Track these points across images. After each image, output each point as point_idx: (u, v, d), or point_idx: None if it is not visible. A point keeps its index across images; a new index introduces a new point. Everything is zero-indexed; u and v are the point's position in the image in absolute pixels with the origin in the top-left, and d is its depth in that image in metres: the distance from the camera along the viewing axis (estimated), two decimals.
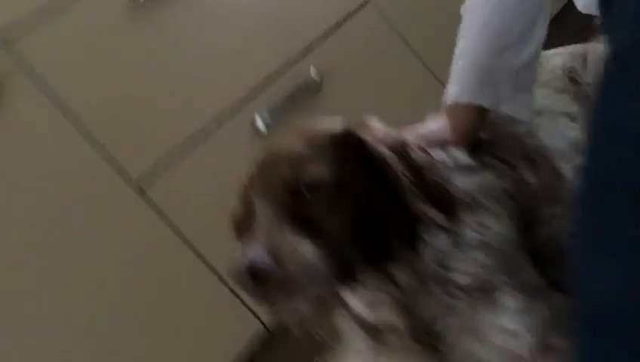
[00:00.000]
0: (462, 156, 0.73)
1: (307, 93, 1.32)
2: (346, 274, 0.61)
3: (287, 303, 0.59)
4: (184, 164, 1.17)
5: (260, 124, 1.25)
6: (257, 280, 0.56)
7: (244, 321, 1.15)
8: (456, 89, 0.77)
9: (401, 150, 0.65)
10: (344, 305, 0.69)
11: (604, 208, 0.44)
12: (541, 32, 0.81)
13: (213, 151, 1.10)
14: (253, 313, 1.15)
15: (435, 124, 0.77)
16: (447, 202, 0.65)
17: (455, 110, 0.77)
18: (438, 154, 0.73)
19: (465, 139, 0.75)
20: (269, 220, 0.60)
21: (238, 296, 1.14)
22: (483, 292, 0.65)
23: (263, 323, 1.16)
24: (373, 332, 0.69)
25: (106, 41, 1.17)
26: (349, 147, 0.65)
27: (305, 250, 0.58)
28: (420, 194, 0.63)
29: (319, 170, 0.62)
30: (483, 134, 0.77)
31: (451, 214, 0.65)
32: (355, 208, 0.62)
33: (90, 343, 1.04)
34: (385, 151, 0.64)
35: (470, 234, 0.67)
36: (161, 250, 1.12)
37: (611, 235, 0.43)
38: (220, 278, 1.14)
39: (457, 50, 0.80)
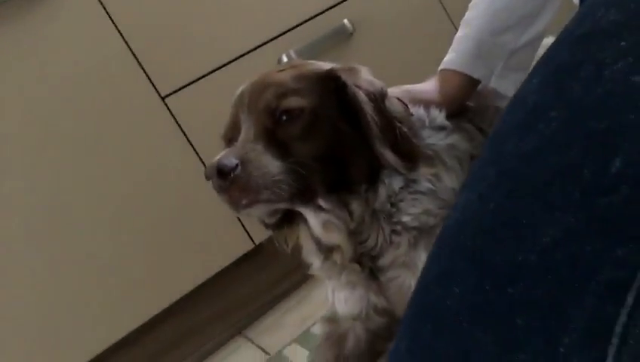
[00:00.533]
0: (438, 116, 0.79)
1: (338, 41, 1.37)
2: (305, 194, 0.69)
3: (248, 206, 0.66)
4: (206, 82, 1.25)
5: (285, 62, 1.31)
6: (223, 179, 0.64)
7: (237, 239, 1.25)
8: (451, 56, 0.83)
9: (377, 98, 0.72)
10: (304, 221, 0.77)
11: None
12: (545, 19, 0.84)
13: (234, 78, 1.19)
14: (247, 232, 1.25)
15: (426, 85, 0.83)
16: (408, 152, 0.71)
17: (446, 76, 0.83)
18: (416, 111, 0.78)
19: (450, 104, 0.81)
20: (250, 136, 0.69)
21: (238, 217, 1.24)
22: (422, 232, 0.72)
23: (253, 242, 1.25)
24: (325, 250, 0.77)
25: None
26: (330, 86, 0.72)
27: (270, 162, 0.66)
28: (384, 140, 0.69)
29: (299, 101, 0.69)
30: (469, 103, 0.83)
31: (410, 163, 0.71)
32: (324, 139, 0.70)
33: (94, 230, 1.16)
34: (361, 95, 0.71)
35: (424, 182, 0.74)
36: (173, 157, 1.22)
37: None
38: None
39: (463, 19, 0.85)
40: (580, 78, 0.44)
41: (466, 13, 0.86)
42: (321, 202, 0.72)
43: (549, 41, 1.01)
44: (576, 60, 0.46)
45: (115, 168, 1.17)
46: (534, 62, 0.97)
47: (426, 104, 0.79)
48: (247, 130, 0.70)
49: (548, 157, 0.39)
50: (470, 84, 0.83)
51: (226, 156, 0.65)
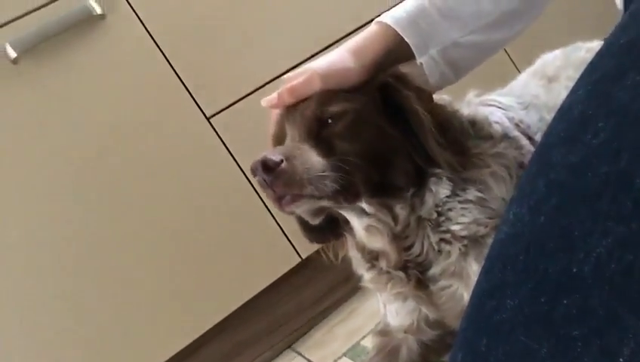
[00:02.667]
0: (485, 124, 0.78)
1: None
2: (348, 192, 0.69)
3: (292, 202, 0.67)
4: (250, 101, 1.29)
5: None
6: (268, 173, 0.64)
7: (285, 254, 1.27)
8: (391, 12, 0.78)
9: (428, 100, 0.73)
10: (351, 231, 0.78)
11: None
12: (504, 34, 0.80)
13: None
14: (294, 246, 1.27)
15: (333, 56, 0.75)
16: (460, 153, 0.71)
17: (376, 31, 0.77)
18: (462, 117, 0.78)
19: (366, 66, 0.74)
20: (293, 138, 0.71)
21: (282, 229, 1.26)
22: (472, 241, 0.72)
23: (300, 256, 1.27)
24: (370, 257, 0.78)
25: None
26: (377, 92, 0.73)
27: (314, 159, 0.67)
28: (435, 135, 0.70)
29: (343, 105, 0.71)
30: (383, 74, 0.75)
31: (459, 162, 0.71)
32: (369, 139, 0.70)
33: (137, 248, 1.20)
34: (413, 97, 0.71)
35: (474, 191, 0.73)
36: (220, 176, 1.25)
37: None
38: (268, 210, 1.26)
39: None
40: (626, 86, 0.44)
41: None
42: (365, 206, 0.72)
43: (594, 45, 1.00)
44: (622, 69, 0.46)
45: (163, 189, 1.21)
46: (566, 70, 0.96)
47: (343, 77, 0.74)
48: (292, 135, 0.72)
49: (597, 167, 0.39)
50: (398, 47, 0.76)
51: (271, 152, 0.66)
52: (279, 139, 0.75)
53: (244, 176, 1.25)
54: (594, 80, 0.48)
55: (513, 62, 1.47)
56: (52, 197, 1.15)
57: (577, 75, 0.94)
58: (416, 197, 0.73)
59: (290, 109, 0.74)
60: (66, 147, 1.17)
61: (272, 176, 0.65)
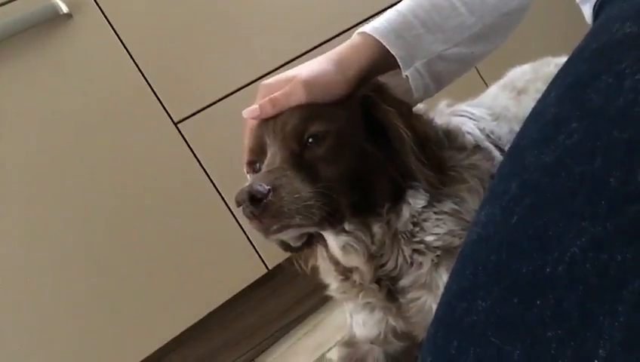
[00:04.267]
0: (459, 136, 0.78)
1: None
2: (334, 217, 0.68)
3: (278, 231, 0.65)
4: (219, 108, 1.27)
5: None
6: (255, 205, 0.62)
7: (251, 264, 1.24)
8: (375, 24, 0.76)
9: (407, 114, 0.71)
10: (324, 244, 0.76)
11: None
12: (481, 45, 0.79)
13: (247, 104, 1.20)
14: (260, 257, 1.25)
15: (315, 66, 0.73)
16: (438, 168, 0.71)
17: (360, 43, 0.75)
18: (437, 127, 0.78)
19: (350, 78, 0.73)
20: (277, 161, 0.68)
21: (249, 239, 1.24)
22: (446, 253, 0.71)
23: (266, 266, 1.25)
24: (343, 270, 0.76)
25: None
26: (357, 105, 0.72)
27: (301, 188, 0.65)
28: (417, 153, 0.69)
29: (325, 125, 0.69)
30: (365, 87, 0.73)
31: (439, 180, 0.70)
32: (351, 161, 0.69)
33: (102, 248, 1.16)
34: (392, 112, 0.70)
35: (448, 203, 0.72)
36: (186, 183, 1.22)
37: None
38: (235, 219, 1.23)
39: None
40: (600, 89, 0.43)
41: None
42: (344, 224, 0.71)
43: (563, 60, 1.01)
44: (594, 72, 0.46)
45: (128, 193, 1.18)
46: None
47: (327, 90, 0.72)
48: (273, 154, 0.69)
49: (571, 168, 0.38)
50: (383, 59, 0.74)
51: (257, 182, 0.64)
52: (255, 151, 0.73)
53: (211, 184, 1.23)
54: (566, 83, 0.48)
55: (481, 76, 1.49)
56: (14, 199, 1.11)
57: None
58: (392, 212, 0.72)
59: (269, 120, 0.71)
60: (28, 151, 1.13)
61: (260, 208, 0.63)
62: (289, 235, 0.72)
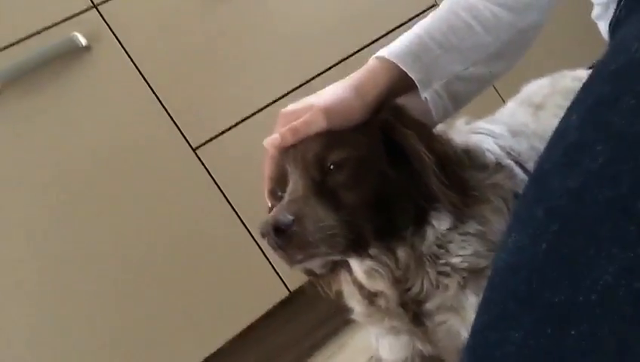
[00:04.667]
0: (480, 153, 0.78)
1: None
2: (358, 245, 0.68)
3: (303, 261, 0.65)
4: (236, 132, 1.28)
5: None
6: (279, 236, 0.62)
7: (272, 287, 1.25)
8: (391, 47, 0.76)
9: (427, 136, 0.71)
10: (348, 268, 0.76)
11: None
12: (499, 63, 0.79)
13: (264, 127, 1.22)
14: (282, 279, 1.25)
15: (334, 91, 0.73)
16: (461, 189, 0.70)
17: (377, 67, 0.75)
18: (456, 147, 0.78)
19: (369, 103, 0.72)
20: (299, 189, 0.68)
21: (270, 262, 1.24)
22: (472, 274, 0.71)
23: (288, 289, 1.24)
24: (368, 295, 0.76)
25: (187, 14, 1.30)
26: (377, 130, 0.71)
27: (324, 216, 0.65)
28: (439, 175, 0.68)
29: (347, 152, 0.69)
30: (384, 111, 0.73)
31: (463, 202, 0.69)
32: (373, 186, 0.69)
33: (123, 278, 1.17)
34: (412, 135, 0.69)
35: (473, 224, 0.72)
36: (206, 208, 1.23)
37: None
38: (256, 242, 1.24)
39: (420, 22, 0.79)
40: (622, 110, 0.43)
41: (425, 19, 0.79)
42: (368, 249, 0.71)
43: (580, 74, 1.00)
44: (615, 94, 0.46)
45: (148, 220, 1.19)
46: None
47: (347, 117, 0.72)
48: (295, 183, 0.69)
49: (597, 192, 0.38)
50: (401, 82, 0.74)
51: (280, 212, 0.64)
52: (277, 180, 0.73)
53: (230, 208, 1.24)
54: (588, 106, 0.48)
55: (497, 91, 1.49)
56: (31, 234, 1.12)
57: (565, 103, 0.94)
58: (416, 235, 0.71)
59: (290, 148, 0.71)
60: (49, 180, 1.15)
61: (284, 239, 0.63)
62: (314, 264, 0.72)
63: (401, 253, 0.72)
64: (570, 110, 0.51)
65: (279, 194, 0.73)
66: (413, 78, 0.73)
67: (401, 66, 0.73)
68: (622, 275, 0.33)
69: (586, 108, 0.48)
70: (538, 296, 0.36)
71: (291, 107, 0.74)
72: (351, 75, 0.76)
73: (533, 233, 0.40)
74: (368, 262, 0.72)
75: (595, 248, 0.35)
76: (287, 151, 0.72)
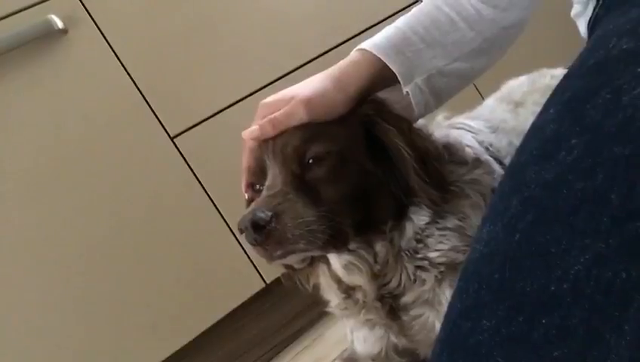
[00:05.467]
0: (459, 150, 0.78)
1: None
2: (338, 240, 0.67)
3: (282, 257, 0.64)
4: (215, 122, 1.27)
5: None
6: (258, 232, 0.61)
7: (248, 278, 1.24)
8: (374, 40, 0.75)
9: (407, 131, 0.71)
10: (326, 261, 0.76)
11: None
12: (481, 59, 0.78)
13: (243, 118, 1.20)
14: (258, 271, 1.24)
15: (315, 84, 0.72)
16: (440, 185, 0.70)
17: (359, 59, 0.74)
18: (436, 142, 0.78)
19: (350, 95, 0.72)
20: (277, 184, 0.67)
21: (246, 253, 1.23)
22: (450, 269, 0.71)
23: (264, 281, 1.24)
24: (345, 289, 0.76)
25: (164, 7, 1.28)
26: (357, 124, 0.71)
27: (303, 212, 0.64)
28: (419, 172, 0.68)
29: (326, 146, 0.68)
30: (365, 105, 0.73)
31: (441, 198, 0.70)
32: (352, 181, 0.68)
33: (96, 266, 1.15)
34: (392, 130, 0.69)
35: (452, 219, 0.72)
36: (183, 197, 1.22)
37: None
38: (232, 233, 1.23)
39: (403, 16, 0.79)
40: (598, 104, 0.44)
41: (409, 13, 0.78)
42: (348, 243, 0.70)
43: (559, 72, 1.01)
44: (593, 88, 0.46)
45: (124, 208, 1.17)
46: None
47: (328, 110, 0.71)
48: (274, 176, 0.68)
49: (572, 184, 0.38)
50: (383, 76, 0.73)
51: (259, 208, 0.63)
52: (255, 173, 0.72)
53: (207, 198, 1.22)
54: (565, 99, 0.48)
55: (477, 89, 1.49)
56: (12, 208, 1.11)
57: (543, 100, 0.95)
58: (395, 230, 0.71)
59: (269, 140, 0.70)
60: (23, 165, 1.13)
61: (263, 235, 0.62)
62: (293, 260, 0.71)
63: (380, 247, 0.71)
64: (548, 104, 0.52)
65: (257, 186, 0.72)
66: (395, 71, 0.73)
67: (383, 59, 0.72)
68: (594, 265, 0.33)
69: (563, 102, 0.48)
70: (511, 284, 0.36)
71: (271, 98, 0.74)
72: (332, 67, 0.75)
73: (508, 223, 0.40)
74: (347, 257, 0.72)
75: (569, 238, 0.36)
76: (266, 144, 0.71)
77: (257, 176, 0.72)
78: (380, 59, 0.73)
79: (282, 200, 0.65)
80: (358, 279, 0.73)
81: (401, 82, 0.74)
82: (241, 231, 0.63)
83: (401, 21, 0.77)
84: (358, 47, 0.76)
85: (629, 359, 0.29)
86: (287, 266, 0.78)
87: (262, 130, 0.70)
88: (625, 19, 0.54)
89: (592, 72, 0.48)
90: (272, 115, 0.70)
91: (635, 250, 0.33)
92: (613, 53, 0.48)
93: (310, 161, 0.68)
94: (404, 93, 0.75)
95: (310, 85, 0.72)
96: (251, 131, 0.71)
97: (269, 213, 0.62)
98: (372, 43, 0.74)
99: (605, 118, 0.41)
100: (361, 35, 1.38)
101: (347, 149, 0.70)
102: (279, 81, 1.32)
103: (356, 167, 0.70)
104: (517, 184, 0.44)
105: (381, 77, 0.74)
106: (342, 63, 0.75)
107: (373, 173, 0.70)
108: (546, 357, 0.32)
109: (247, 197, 0.76)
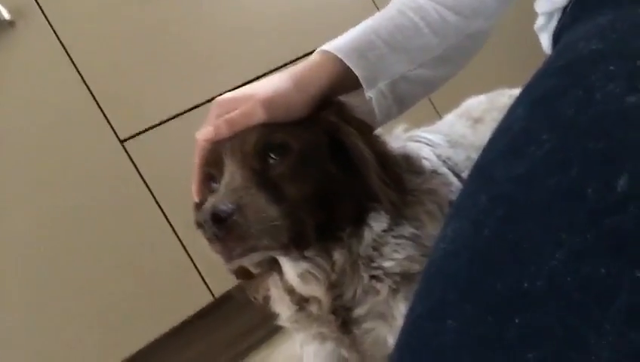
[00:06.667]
0: (417, 159, 0.76)
1: None
2: (300, 239, 0.63)
3: (242, 255, 0.60)
4: (165, 128, 1.22)
5: None
6: (218, 226, 0.57)
7: (196, 291, 1.18)
8: (336, 42, 0.73)
9: (368, 134, 0.69)
10: (279, 272, 0.72)
11: None
12: (445, 67, 0.77)
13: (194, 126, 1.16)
14: (206, 284, 1.18)
15: (275, 83, 0.69)
16: (399, 189, 0.68)
17: (321, 61, 0.71)
18: (395, 150, 0.76)
19: (311, 97, 0.69)
20: (237, 179, 0.63)
21: (194, 264, 1.18)
22: (405, 280, 0.68)
23: (212, 295, 1.18)
24: (298, 300, 0.72)
25: (121, 6, 1.23)
26: (318, 127, 0.68)
27: (267, 206, 0.60)
28: (379, 173, 0.66)
29: (287, 143, 0.65)
30: (327, 110, 0.70)
31: (401, 200, 0.67)
32: (314, 181, 0.65)
33: (47, 277, 1.08)
34: (354, 133, 0.67)
35: (408, 227, 0.69)
36: (130, 202, 1.16)
37: None
38: (181, 243, 1.17)
39: (377, 14, 0.77)
40: (569, 101, 0.42)
41: (372, 17, 0.76)
42: (305, 249, 0.66)
43: (515, 92, 1.02)
44: (563, 86, 0.45)
45: (71, 210, 1.11)
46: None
47: (288, 111, 0.68)
48: (232, 173, 0.64)
49: (544, 179, 0.36)
50: (344, 79, 0.71)
51: (220, 200, 0.58)
52: (210, 170, 0.68)
53: (156, 205, 1.17)
54: (533, 98, 0.47)
55: (435, 107, 1.50)
56: None
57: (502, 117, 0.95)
58: (353, 237, 0.68)
59: (226, 139, 0.66)
60: None
61: (224, 229, 0.57)
62: (252, 260, 0.66)
63: (338, 255, 0.68)
64: (515, 105, 0.50)
65: (213, 185, 0.68)
66: (358, 75, 0.70)
67: (345, 62, 0.70)
68: (570, 260, 0.31)
69: (532, 100, 0.47)
70: (479, 282, 0.33)
71: (227, 96, 0.69)
72: (293, 67, 0.71)
73: (476, 219, 0.38)
74: (304, 265, 0.68)
75: (543, 233, 0.33)
76: (222, 142, 0.66)
77: (213, 174, 0.67)
78: (342, 62, 0.70)
79: (244, 195, 0.60)
80: (315, 289, 0.69)
81: (364, 86, 0.71)
82: (200, 225, 0.58)
83: (364, 24, 0.75)
84: (320, 48, 0.73)
85: (611, 361, 0.27)
86: (238, 273, 0.73)
87: (217, 131, 0.65)
88: (591, 25, 0.54)
89: (562, 72, 0.47)
90: (229, 115, 0.66)
91: (615, 245, 0.30)
92: (584, 53, 0.47)
93: (271, 158, 0.64)
94: (367, 97, 0.72)
95: (268, 85, 0.68)
96: (205, 132, 0.66)
97: (231, 206, 0.58)
98: (334, 45, 0.72)
99: (578, 114, 0.39)
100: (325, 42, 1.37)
101: (308, 149, 0.66)
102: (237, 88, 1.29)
103: (318, 166, 0.66)
104: (485, 181, 0.41)
105: (343, 80, 0.71)
106: (304, 64, 0.71)
107: (334, 175, 0.67)
108: (520, 359, 0.29)
109: (196, 199, 0.71)
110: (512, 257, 0.33)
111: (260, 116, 0.65)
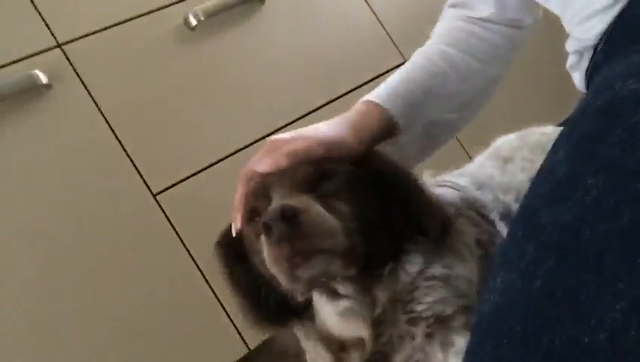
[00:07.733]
0: (444, 206, 0.76)
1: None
2: (357, 257, 0.62)
3: (307, 259, 0.58)
4: (198, 180, 1.23)
5: None
6: (287, 223, 0.56)
7: (232, 345, 1.16)
8: (380, 91, 0.78)
9: (412, 177, 0.71)
10: (307, 313, 0.69)
11: None
12: (469, 110, 0.81)
13: (226, 176, 1.17)
14: (241, 336, 1.17)
15: (331, 127, 0.73)
16: (445, 224, 0.68)
17: (368, 109, 0.76)
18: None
19: (363, 143, 0.73)
20: (283, 197, 0.62)
21: (229, 316, 1.17)
22: (439, 324, 0.66)
23: (247, 347, 1.17)
24: (336, 349, 0.69)
25: (153, 59, 1.27)
26: (364, 162, 0.70)
27: (327, 215, 0.60)
28: (426, 211, 0.67)
29: (336, 168, 0.66)
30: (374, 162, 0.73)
31: (445, 235, 0.68)
32: (360, 206, 0.65)
33: (75, 333, 1.08)
34: (404, 169, 0.70)
35: (439, 267, 0.68)
36: (164, 256, 1.16)
37: None
38: (215, 296, 1.17)
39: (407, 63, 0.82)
40: (613, 143, 0.41)
41: (415, 54, 0.82)
42: (340, 287, 0.65)
43: (548, 130, 1.01)
44: (604, 127, 0.44)
45: (105, 267, 1.11)
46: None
47: (341, 150, 0.71)
48: (281, 195, 0.64)
49: (595, 225, 0.35)
50: (388, 127, 0.75)
51: (284, 202, 0.59)
52: (257, 198, 0.67)
53: (190, 258, 1.17)
54: (574, 141, 0.46)
55: (463, 148, 1.49)
56: None
57: (532, 156, 0.95)
58: (391, 276, 0.67)
59: (271, 175, 0.67)
60: (6, 220, 1.07)
61: (292, 226, 0.56)
62: (314, 269, 0.61)
63: (379, 292, 0.66)
64: (555, 148, 0.49)
65: (257, 219, 0.67)
66: (399, 123, 0.74)
67: (392, 113, 0.74)
68: (632, 312, 0.29)
69: (572, 143, 0.46)
70: (536, 337, 0.32)
71: (287, 135, 0.71)
72: (342, 116, 0.75)
73: (526, 270, 0.36)
74: (344, 303, 0.66)
75: (598, 284, 0.32)
76: (268, 177, 0.67)
77: (254, 210, 0.67)
78: (388, 112, 0.74)
79: (301, 201, 0.60)
80: (358, 328, 0.66)
81: (402, 133, 0.75)
82: (267, 226, 0.57)
83: (399, 74, 0.79)
84: (364, 99, 0.78)
85: None
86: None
87: (276, 162, 0.66)
88: (626, 64, 0.53)
89: (601, 113, 0.46)
90: (288, 149, 0.67)
91: None
92: (622, 93, 0.46)
93: (321, 178, 0.65)
94: (401, 143, 0.75)
95: (325, 128, 0.72)
96: (263, 164, 0.67)
97: (298, 206, 0.57)
98: (378, 95, 0.76)
99: (623, 156, 0.38)
100: (347, 95, 1.39)
101: (356, 176, 0.68)
102: (263, 140, 1.30)
103: (364, 192, 0.67)
104: (530, 229, 0.40)
105: (385, 127, 0.75)
106: (351, 114, 0.76)
107: (378, 206, 0.67)
108: None
109: (239, 226, 0.69)
110: (569, 310, 0.32)
111: (319, 152, 0.67)
